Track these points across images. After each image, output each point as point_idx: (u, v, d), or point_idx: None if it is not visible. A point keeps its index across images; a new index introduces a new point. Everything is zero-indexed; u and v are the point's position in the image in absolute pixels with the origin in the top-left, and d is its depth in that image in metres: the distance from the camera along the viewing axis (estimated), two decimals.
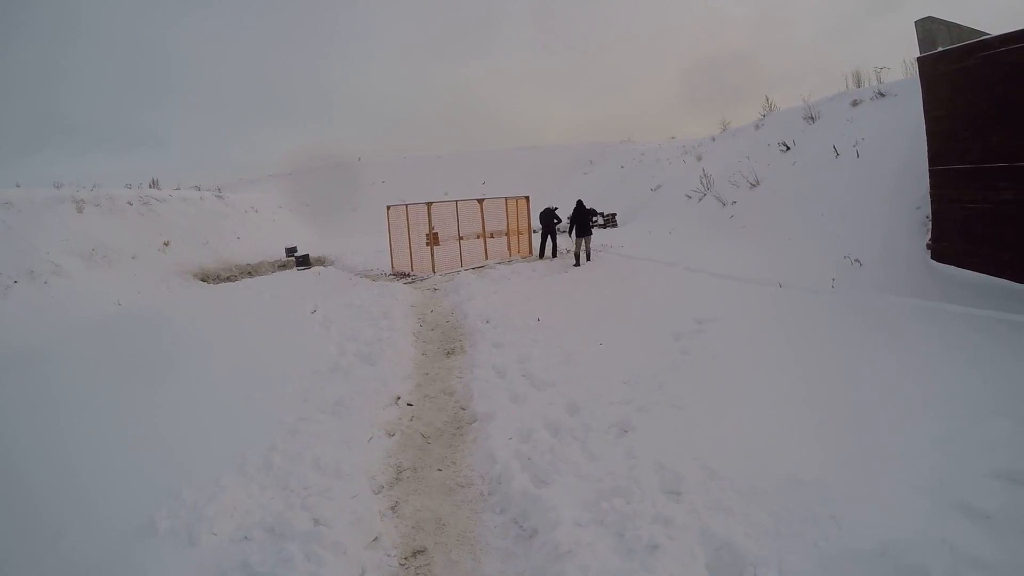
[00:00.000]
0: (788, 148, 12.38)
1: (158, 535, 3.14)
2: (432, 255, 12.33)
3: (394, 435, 4.51)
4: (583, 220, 11.68)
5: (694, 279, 8.67)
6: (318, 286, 11.09)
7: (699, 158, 18.17)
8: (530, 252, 14.23)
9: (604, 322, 6.87)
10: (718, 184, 13.68)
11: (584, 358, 5.62)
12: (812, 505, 2.89)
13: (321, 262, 16.20)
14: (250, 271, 15.82)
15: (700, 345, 5.55)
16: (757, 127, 16.10)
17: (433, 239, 12.63)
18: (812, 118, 12.87)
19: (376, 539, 3.18)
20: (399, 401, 5.15)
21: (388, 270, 12.93)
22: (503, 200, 14.47)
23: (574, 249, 11.83)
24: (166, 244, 14.32)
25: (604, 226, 17.85)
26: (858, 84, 13.45)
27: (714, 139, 19.74)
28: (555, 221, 13.13)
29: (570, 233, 12.00)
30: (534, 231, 14.68)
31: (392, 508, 3.55)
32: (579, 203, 12.00)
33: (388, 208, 13.30)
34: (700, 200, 14.30)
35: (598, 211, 17.65)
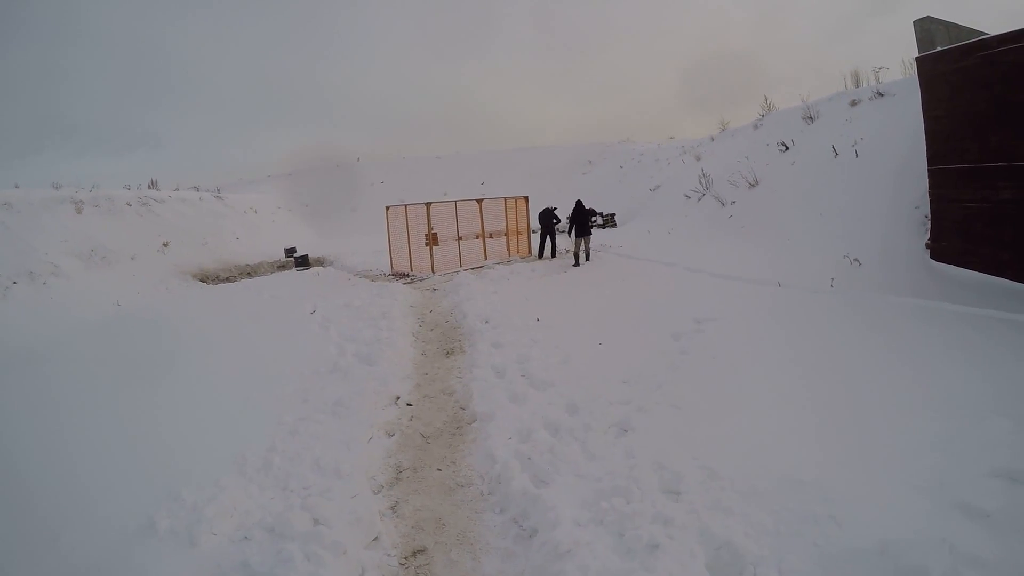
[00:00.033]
0: (787, 148, 12.39)
1: (158, 535, 3.14)
2: (431, 255, 12.33)
3: (394, 435, 4.51)
4: (582, 220, 11.68)
5: (693, 279, 8.68)
6: (317, 286, 11.09)
7: (698, 158, 18.18)
8: (529, 252, 14.23)
9: (603, 322, 6.87)
10: (717, 184, 13.69)
11: (583, 358, 5.62)
12: (812, 505, 2.89)
13: (320, 262, 16.19)
14: (249, 271, 15.81)
15: (699, 345, 5.55)
16: (756, 127, 16.11)
17: (432, 239, 12.64)
18: (811, 118, 12.88)
19: (376, 539, 3.18)
20: (399, 401, 5.15)
21: (387, 270, 12.93)
22: (502, 200, 14.47)
23: (573, 249, 11.84)
24: (165, 245, 14.31)
25: (603, 226, 17.86)
26: (857, 84, 13.45)
27: (713, 139, 19.74)
28: (554, 221, 13.13)
29: (569, 233, 12.01)
30: (533, 231, 14.68)
31: (392, 508, 3.55)
32: (578, 203, 12.00)
33: (387, 208, 13.29)
34: (699, 200, 14.31)
35: (597, 211, 17.67)
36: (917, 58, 6.86)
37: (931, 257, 6.61)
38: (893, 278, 6.57)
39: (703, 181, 14.45)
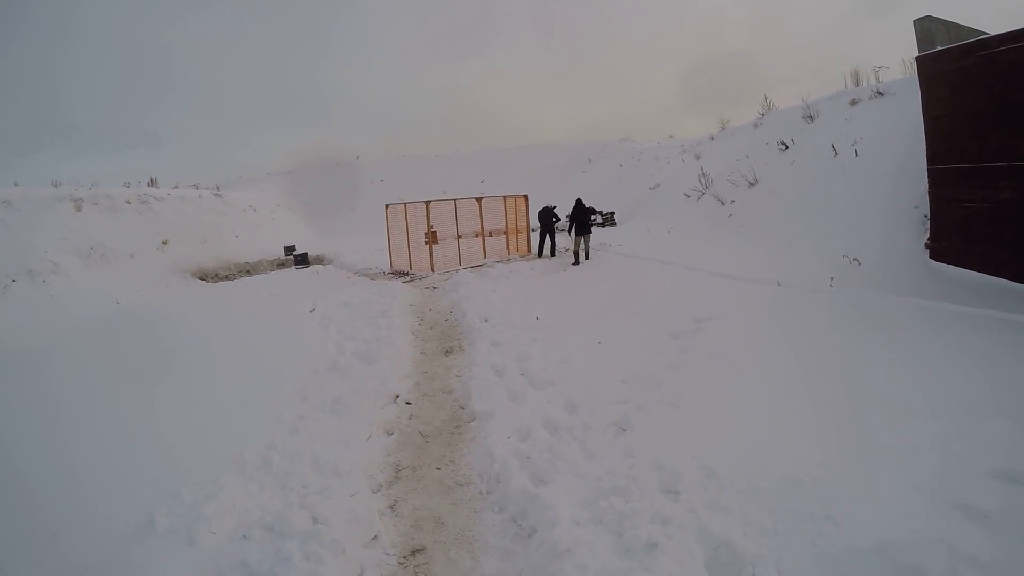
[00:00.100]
0: (787, 147, 12.39)
1: (157, 534, 3.15)
2: (431, 254, 12.31)
3: (393, 434, 4.51)
4: (582, 219, 11.67)
5: (693, 278, 8.68)
6: (317, 285, 11.08)
7: (698, 157, 18.17)
8: (529, 251, 14.22)
9: (603, 321, 6.87)
10: (717, 183, 13.68)
11: (583, 357, 5.62)
12: (810, 504, 2.90)
13: (320, 261, 16.19)
14: (249, 270, 15.80)
15: (699, 344, 5.55)
16: (756, 126, 16.11)
17: (432, 238, 12.62)
18: (811, 117, 12.87)
19: (375, 538, 3.18)
20: (398, 400, 5.15)
21: (387, 269, 12.93)
22: (502, 199, 14.45)
23: (573, 248, 11.83)
24: (165, 243, 14.30)
25: (603, 225, 17.85)
26: (856, 83, 13.45)
27: (713, 138, 19.74)
28: (554, 220, 13.12)
29: (569, 232, 12.00)
30: (533, 230, 14.67)
31: (391, 507, 3.55)
32: (578, 202, 11.99)
33: (387, 207, 13.29)
34: (699, 199, 14.30)
35: (597, 210, 17.66)
36: (917, 57, 6.85)
37: (930, 257, 6.61)
38: (892, 278, 6.57)
39: (703, 180, 14.45)
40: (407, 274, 12.05)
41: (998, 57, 5.48)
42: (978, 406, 3.56)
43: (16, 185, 13.54)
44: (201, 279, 14.14)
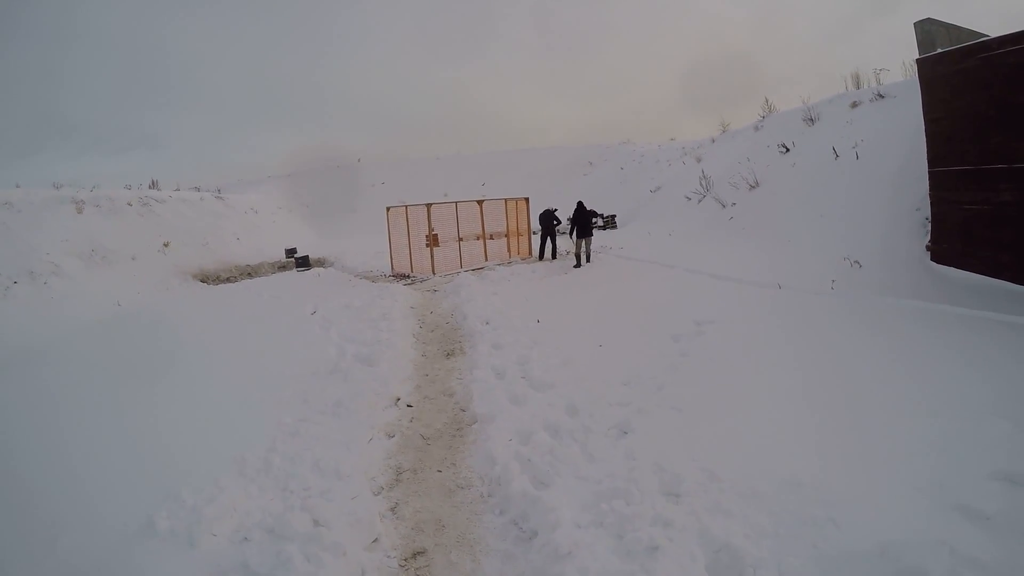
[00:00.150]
0: (787, 149, 12.40)
1: (157, 536, 3.14)
2: (432, 256, 12.33)
3: (394, 436, 4.51)
4: (584, 221, 11.68)
5: (693, 280, 8.67)
6: (318, 287, 11.09)
7: (699, 159, 18.20)
8: (530, 253, 14.24)
9: (604, 323, 6.87)
10: (717, 185, 13.70)
11: (584, 360, 5.62)
12: (811, 507, 2.89)
13: (321, 263, 16.22)
14: (250, 272, 15.84)
15: (699, 347, 5.55)
16: (756, 129, 16.13)
17: (433, 240, 12.64)
18: (811, 120, 12.89)
19: (376, 540, 3.18)
20: (399, 402, 5.15)
21: (388, 271, 12.94)
22: (503, 201, 14.48)
23: (574, 250, 11.84)
24: (166, 245, 14.33)
25: (604, 227, 17.86)
26: (857, 86, 13.46)
27: (713, 140, 19.77)
28: (555, 222, 13.13)
29: (571, 234, 12.01)
30: (534, 232, 14.69)
31: (392, 509, 3.55)
32: (580, 204, 12.00)
33: (388, 209, 13.31)
34: (700, 201, 14.31)
35: (598, 212, 17.67)
36: (918, 60, 6.86)
37: (931, 259, 6.62)
38: (893, 280, 6.57)
39: (704, 182, 14.46)
40: (408, 277, 12.07)
41: (998, 59, 5.49)
42: (979, 408, 3.56)
43: (18, 187, 13.59)
44: (202, 281, 14.17)
